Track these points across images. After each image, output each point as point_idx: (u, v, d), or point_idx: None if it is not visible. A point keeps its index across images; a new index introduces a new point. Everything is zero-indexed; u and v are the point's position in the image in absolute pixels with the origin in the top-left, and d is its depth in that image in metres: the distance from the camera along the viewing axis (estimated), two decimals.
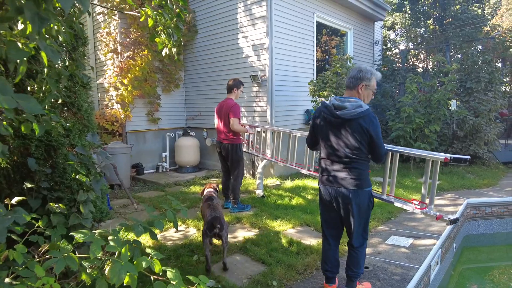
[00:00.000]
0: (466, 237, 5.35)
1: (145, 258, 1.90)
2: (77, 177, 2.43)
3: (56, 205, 2.36)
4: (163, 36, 2.13)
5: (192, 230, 4.11)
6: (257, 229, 4.05)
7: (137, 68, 6.79)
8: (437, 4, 9.77)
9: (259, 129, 5.35)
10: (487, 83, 7.55)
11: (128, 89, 6.78)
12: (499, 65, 8.90)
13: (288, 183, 6.13)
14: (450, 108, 6.78)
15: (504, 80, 8.87)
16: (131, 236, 2.52)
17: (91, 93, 3.26)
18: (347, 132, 2.42)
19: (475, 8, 9.61)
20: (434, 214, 2.68)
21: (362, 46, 9.46)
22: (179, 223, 4.29)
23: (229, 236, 3.85)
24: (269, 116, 6.44)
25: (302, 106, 7.26)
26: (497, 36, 8.15)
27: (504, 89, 8.66)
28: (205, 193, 3.79)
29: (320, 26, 8.08)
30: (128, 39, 6.79)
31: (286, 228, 4.04)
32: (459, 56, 9.18)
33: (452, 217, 2.55)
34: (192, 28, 7.70)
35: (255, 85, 6.60)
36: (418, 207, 2.76)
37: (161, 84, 7.72)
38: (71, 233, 1.83)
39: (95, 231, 2.42)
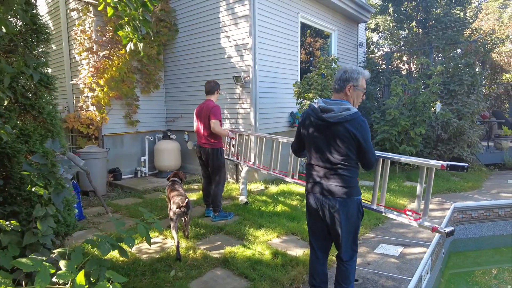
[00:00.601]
0: (453, 242, 5.28)
1: (104, 285, 1.64)
2: (33, 189, 2.13)
3: (7, 222, 2.06)
4: (128, 29, 1.87)
5: (170, 242, 3.83)
6: (240, 240, 3.80)
7: (113, 68, 6.45)
8: (420, 7, 9.81)
9: (244, 133, 5.12)
10: (470, 85, 7.57)
11: (104, 90, 6.43)
12: (477, 68, 8.99)
13: (273, 188, 5.92)
14: (435, 110, 6.74)
15: (484, 83, 8.97)
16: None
17: (57, 94, 2.95)
18: (334, 137, 2.24)
19: (458, 12, 9.71)
20: (429, 226, 2.51)
21: (346, 48, 9.38)
22: (155, 234, 4.01)
23: (209, 248, 3.62)
24: (253, 119, 6.22)
25: (287, 109, 7.07)
26: (478, 39, 8.22)
27: (485, 92, 8.74)
28: (169, 180, 4.23)
29: (305, 27, 7.94)
30: (104, 37, 6.44)
31: (270, 238, 3.82)
32: (441, 58, 9.23)
33: (448, 229, 2.36)
34: (172, 28, 7.41)
35: (238, 87, 6.37)
36: (412, 218, 2.58)
37: (139, 85, 7.38)
38: (16, 260, 1.55)
39: (54, 251, 2.13)
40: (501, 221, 5.64)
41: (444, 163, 2.33)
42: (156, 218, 2.49)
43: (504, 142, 8.83)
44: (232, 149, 5.62)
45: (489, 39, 8.58)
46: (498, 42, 8.69)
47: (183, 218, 3.75)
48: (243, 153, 5.06)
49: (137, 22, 1.79)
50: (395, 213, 2.74)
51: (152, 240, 3.83)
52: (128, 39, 1.91)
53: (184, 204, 3.52)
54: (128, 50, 1.94)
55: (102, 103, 6.46)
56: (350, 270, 2.41)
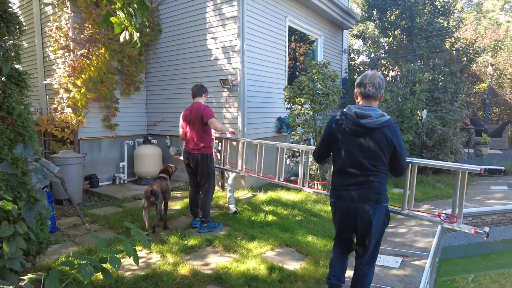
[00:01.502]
0: (443, 250, 5.22)
1: None
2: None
3: None
4: (122, 16, 1.60)
5: (156, 257, 3.51)
6: (232, 253, 3.54)
7: (92, 68, 6.05)
8: (405, 15, 9.95)
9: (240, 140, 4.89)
10: (453, 93, 7.68)
11: (82, 91, 6.01)
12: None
13: (261, 196, 5.69)
14: (421, 117, 6.75)
15: (466, 91, 9.17)
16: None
17: (29, 94, 2.61)
18: (370, 143, 2.25)
19: (441, 20, 9.91)
20: (469, 228, 2.53)
21: (331, 54, 9.35)
22: (139, 248, 3.67)
23: (199, 263, 3.34)
24: (241, 124, 5.99)
25: (275, 114, 6.89)
26: (461, 49, 8.39)
27: (467, 99, 8.92)
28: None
29: (291, 32, 7.83)
30: (82, 35, 6.03)
31: (264, 251, 3.58)
32: (423, 66, 9.34)
33: (487, 229, 2.44)
34: (155, 27, 7.09)
35: (225, 90, 6.13)
36: (448, 221, 2.65)
37: (119, 87, 6.99)
38: None
39: (24, 277, 1.81)
40: (488, 228, 5.65)
41: (483, 167, 2.40)
42: (141, 232, 2.21)
43: (484, 149, 9.03)
44: (218, 154, 5.37)
45: (470, 48, 8.79)
46: (479, 51, 8.91)
47: (157, 209, 4.09)
48: (224, 157, 4.84)
49: (133, 7, 1.52)
50: (429, 217, 2.81)
51: None
52: (122, 26, 1.63)
53: (148, 193, 3.95)
54: (122, 40, 1.66)
55: (79, 105, 6.04)
56: (368, 274, 2.45)
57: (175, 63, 6.91)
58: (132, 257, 2.07)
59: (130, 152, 7.14)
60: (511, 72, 12.30)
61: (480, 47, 9.55)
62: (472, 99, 10.82)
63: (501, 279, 4.89)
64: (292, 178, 7.21)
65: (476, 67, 12.21)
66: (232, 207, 4.76)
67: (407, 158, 2.60)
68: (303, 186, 3.82)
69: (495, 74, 12.25)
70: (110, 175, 6.99)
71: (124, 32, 1.68)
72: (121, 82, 6.99)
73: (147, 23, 6.30)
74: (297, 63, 8.69)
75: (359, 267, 2.47)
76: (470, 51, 8.44)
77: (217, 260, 3.37)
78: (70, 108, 6.01)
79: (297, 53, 8.73)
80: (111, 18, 1.63)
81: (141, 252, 3.62)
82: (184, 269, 3.16)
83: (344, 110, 2.38)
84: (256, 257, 3.39)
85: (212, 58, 6.29)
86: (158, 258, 3.47)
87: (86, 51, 5.98)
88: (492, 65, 12.00)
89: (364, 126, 2.24)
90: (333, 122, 2.42)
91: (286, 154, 5.42)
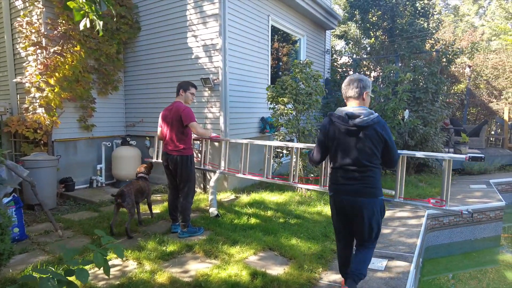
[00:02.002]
0: (426, 249, 5.23)
1: None
2: None
3: None
4: (82, 0, 1.43)
5: (132, 264, 3.32)
6: (213, 259, 3.39)
7: (66, 66, 5.78)
8: (386, 16, 10.04)
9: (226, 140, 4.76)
10: (434, 93, 7.77)
11: (55, 90, 5.73)
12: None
13: (244, 198, 5.56)
14: (403, 117, 6.78)
15: (446, 91, 9.33)
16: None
17: None
18: (363, 140, 2.44)
19: (421, 22, 10.05)
20: (456, 210, 2.97)
21: (314, 54, 9.32)
22: (114, 256, 3.47)
23: (178, 270, 3.17)
24: (223, 124, 5.84)
25: (258, 114, 6.78)
26: (441, 50, 8.53)
27: (446, 100, 9.07)
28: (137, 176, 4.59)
29: (273, 31, 7.74)
30: (55, 31, 5.74)
31: (247, 255, 3.45)
32: (404, 66, 9.45)
33: (470, 210, 2.90)
34: (134, 25, 6.85)
35: (207, 89, 5.97)
36: (438, 205, 2.98)
37: (96, 86, 6.72)
38: None
39: None
40: (469, 226, 5.72)
41: (467, 155, 2.80)
42: (113, 240, 2.05)
43: (463, 149, 9.19)
44: (199, 155, 5.21)
45: (450, 50, 8.94)
46: (458, 52, 9.08)
47: (129, 212, 4.01)
48: (227, 162, 4.69)
49: None
50: (420, 203, 3.23)
51: (111, 263, 3.30)
52: (82, 12, 1.46)
53: (116, 194, 4.00)
54: (82, 27, 1.50)
55: (52, 104, 5.75)
56: (367, 257, 2.63)
57: (154, 61, 6.70)
58: (102, 268, 1.91)
59: (108, 154, 6.88)
60: (487, 74, 12.64)
61: (458, 48, 9.74)
62: (451, 99, 11.05)
63: (480, 276, 4.93)
64: (276, 178, 7.14)
65: (454, 68, 12.48)
66: (214, 210, 4.61)
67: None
68: (294, 182, 3.95)
69: (472, 75, 12.56)
70: (87, 178, 6.71)
71: (85, 19, 1.51)
72: (98, 81, 6.72)
73: (114, 12, 6.09)
74: (281, 63, 8.62)
75: (360, 249, 2.65)
76: (449, 53, 8.59)
77: (197, 267, 3.21)
78: (43, 108, 5.71)
79: (280, 53, 8.65)
80: (68, 3, 1.46)
81: (117, 259, 3.42)
82: (162, 277, 2.99)
83: (336, 112, 2.55)
84: (238, 262, 3.25)
85: (193, 57, 6.12)
86: (135, 265, 3.29)
87: (60, 48, 5.70)
88: (469, 66, 12.30)
89: (357, 125, 2.42)
90: (328, 125, 2.58)
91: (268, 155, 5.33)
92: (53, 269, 2.69)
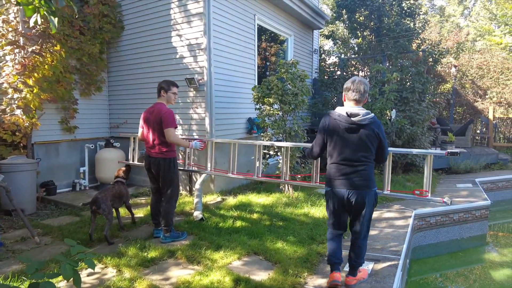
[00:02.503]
0: (413, 250, 5.22)
1: None
2: None
3: None
4: None
5: (111, 272, 3.20)
6: (195, 265, 3.29)
7: (46, 66, 5.59)
8: (373, 16, 10.06)
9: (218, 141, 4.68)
10: (421, 93, 7.79)
11: (34, 91, 5.54)
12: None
13: (231, 200, 5.47)
14: (390, 117, 6.77)
15: (433, 91, 9.40)
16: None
17: None
18: (362, 137, 2.66)
19: (408, 22, 10.11)
20: (437, 200, 3.26)
21: (302, 54, 9.28)
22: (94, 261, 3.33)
23: (159, 277, 3.06)
24: (208, 125, 5.74)
25: (244, 114, 6.69)
26: (427, 49, 8.57)
27: (433, 99, 9.13)
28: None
29: (261, 31, 7.67)
30: (34, 30, 5.55)
31: (231, 261, 3.36)
32: (391, 66, 9.49)
33: (448, 200, 3.21)
34: (117, 24, 6.69)
35: (192, 90, 5.85)
36: (421, 195, 3.28)
37: (79, 87, 6.54)
38: None
39: None
40: (455, 226, 5.74)
41: (447, 151, 3.16)
42: (84, 250, 1.94)
43: (450, 148, 9.26)
44: (181, 156, 5.09)
45: (436, 50, 9.00)
46: (444, 52, 9.15)
47: (107, 219, 3.86)
48: (214, 163, 4.58)
49: None
50: (405, 194, 3.65)
51: (88, 271, 3.18)
52: (31, 7, 1.33)
53: (90, 202, 3.84)
54: (32, 24, 1.38)
55: (31, 106, 5.56)
56: (363, 246, 2.92)
57: (139, 61, 6.55)
58: (72, 280, 1.80)
59: (92, 156, 6.70)
60: (472, 74, 12.81)
61: (444, 48, 9.82)
62: (438, 99, 11.14)
63: (467, 275, 4.94)
64: (263, 179, 7.06)
65: (441, 68, 12.60)
66: (199, 214, 4.50)
67: None
68: (286, 180, 4.11)
69: (458, 75, 12.70)
70: (70, 181, 6.53)
71: (35, 14, 1.39)
72: (81, 82, 6.54)
73: (75, 8, 5.92)
74: (268, 63, 8.56)
75: (356, 242, 2.89)
76: (436, 53, 8.64)
77: (178, 274, 3.10)
78: (21, 110, 5.52)
79: (267, 53, 8.59)
80: None
81: (96, 267, 3.29)
82: (141, 285, 2.88)
83: (336, 111, 2.75)
84: (221, 268, 3.16)
85: (177, 56, 6.00)
86: (114, 273, 3.16)
87: (39, 47, 5.52)
88: (455, 66, 12.44)
89: (356, 123, 2.63)
90: (328, 122, 2.76)
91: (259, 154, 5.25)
92: (15, 285, 2.56)
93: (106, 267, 3.29)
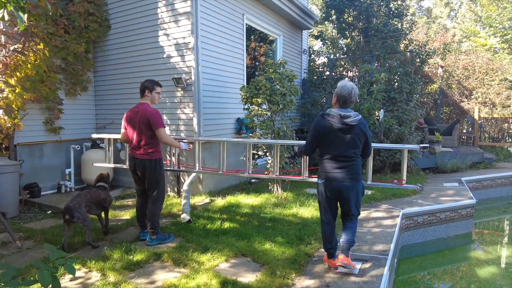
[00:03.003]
0: (401, 249, 5.25)
1: None
2: None
3: None
4: None
5: (96, 276, 3.13)
6: (182, 268, 3.24)
7: (29, 66, 5.46)
8: (362, 17, 10.13)
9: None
10: (408, 93, 7.87)
11: (17, 91, 5.40)
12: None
13: (219, 201, 5.42)
14: (378, 117, 6.82)
15: (420, 91, 9.51)
16: None
17: None
18: (352, 136, 3.02)
19: (395, 22, 10.21)
20: (412, 186, 3.92)
21: (291, 54, 9.28)
22: (77, 266, 3.26)
23: (144, 281, 3.01)
24: (196, 125, 5.68)
25: (233, 114, 6.65)
26: (414, 50, 8.67)
27: (420, 99, 9.23)
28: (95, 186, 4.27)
29: (250, 31, 7.64)
30: (16, 28, 5.41)
31: (218, 263, 3.32)
32: (379, 66, 9.57)
33: (419, 186, 3.83)
34: (103, 23, 6.58)
35: (179, 89, 5.79)
36: (399, 183, 3.82)
37: (64, 87, 6.41)
38: None
39: None
40: (442, 224, 5.80)
41: (420, 146, 3.78)
42: (65, 255, 1.87)
43: (437, 147, 9.37)
44: (173, 158, 5.03)
45: (423, 50, 9.10)
46: (431, 53, 9.26)
47: (84, 224, 3.71)
48: (202, 164, 4.52)
49: None
50: (386, 184, 4.31)
51: (70, 276, 3.09)
52: None
53: (62, 211, 3.70)
54: None
55: (13, 106, 5.41)
56: (355, 226, 3.28)
57: (125, 60, 6.45)
58: (50, 287, 1.74)
59: (77, 157, 6.58)
60: (458, 74, 13.01)
61: (431, 49, 9.95)
62: (425, 99, 11.30)
63: (453, 272, 5.00)
64: (253, 180, 7.04)
65: (428, 68, 12.76)
66: (186, 216, 4.44)
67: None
68: (277, 175, 4.36)
69: (444, 75, 12.89)
70: (55, 183, 6.39)
71: (2, 10, 1.32)
72: (66, 82, 6.41)
73: (50, 7, 5.80)
74: (257, 63, 8.53)
75: (348, 223, 3.26)
76: (423, 53, 8.74)
77: (164, 277, 3.05)
78: (2, 110, 5.37)
79: (256, 53, 8.56)
80: None
81: (79, 271, 3.21)
82: None
83: (329, 112, 3.07)
84: (208, 270, 3.11)
85: (164, 56, 5.93)
86: (98, 277, 3.09)
87: (21, 46, 5.39)
88: (442, 67, 12.61)
89: (348, 123, 2.98)
90: (321, 122, 3.08)
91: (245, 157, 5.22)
92: None
93: (90, 271, 3.21)
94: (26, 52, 5.42)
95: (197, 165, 4.57)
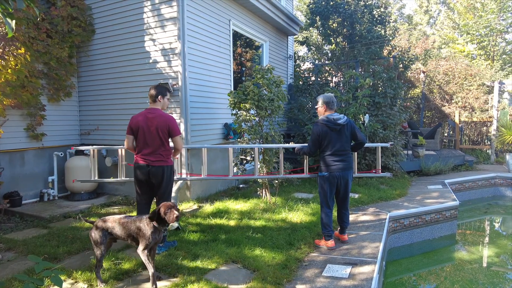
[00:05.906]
0: (389, 251, 5.32)
1: None
2: None
3: None
4: None
5: (82, 286, 3.04)
6: (171, 276, 3.18)
7: (9, 71, 5.31)
8: (346, 23, 10.31)
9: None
10: (392, 98, 8.03)
11: None
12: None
13: (208, 207, 5.37)
14: (363, 122, 6.93)
15: (404, 96, 9.72)
16: None
17: None
18: (344, 133, 3.90)
19: (379, 29, 10.44)
20: (385, 174, 5.06)
21: (277, 60, 9.35)
22: (63, 277, 3.16)
23: None
24: (184, 131, 5.64)
25: (221, 120, 6.63)
26: (397, 56, 8.87)
27: (404, 104, 9.43)
28: None
29: (236, 37, 7.66)
30: None
31: (208, 270, 3.28)
32: (364, 72, 9.74)
33: (389, 174, 5.12)
34: (87, 27, 6.48)
35: None
36: (377, 174, 4.92)
37: (46, 92, 6.26)
38: None
39: None
40: (427, 226, 5.91)
41: (390, 143, 5.14)
42: (51, 266, 1.82)
43: (421, 151, 9.58)
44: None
45: (405, 56, 9.33)
46: (413, 59, 9.50)
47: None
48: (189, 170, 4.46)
49: None
50: (368, 174, 5.88)
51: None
52: None
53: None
54: None
55: None
56: (348, 213, 4.22)
57: (110, 66, 6.36)
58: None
59: (61, 165, 6.42)
60: (439, 79, 13.39)
61: (413, 55, 10.22)
62: (408, 103, 11.56)
63: (438, 273, 5.09)
64: (241, 186, 7.02)
65: (410, 74, 13.08)
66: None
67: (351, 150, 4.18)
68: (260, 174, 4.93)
69: (426, 80, 13.23)
70: (37, 192, 6.21)
71: None
72: (48, 87, 6.26)
73: (37, 11, 5.70)
74: (244, 69, 8.55)
75: (343, 211, 4.13)
76: (405, 59, 8.95)
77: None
78: None
79: (243, 58, 8.58)
80: None
81: (65, 282, 3.11)
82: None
83: (325, 118, 3.88)
84: (199, 279, 3.07)
85: (151, 61, 5.88)
86: None
87: (1, 50, 5.23)
88: (423, 72, 12.95)
89: (340, 124, 3.85)
90: (320, 127, 3.87)
91: (233, 162, 5.20)
92: None
93: (76, 282, 3.12)
94: (6, 57, 5.28)
95: (183, 171, 4.52)
